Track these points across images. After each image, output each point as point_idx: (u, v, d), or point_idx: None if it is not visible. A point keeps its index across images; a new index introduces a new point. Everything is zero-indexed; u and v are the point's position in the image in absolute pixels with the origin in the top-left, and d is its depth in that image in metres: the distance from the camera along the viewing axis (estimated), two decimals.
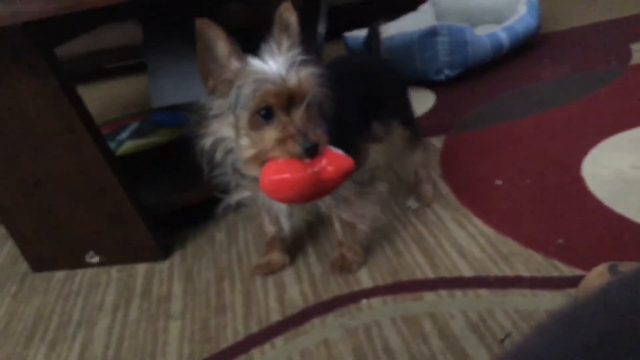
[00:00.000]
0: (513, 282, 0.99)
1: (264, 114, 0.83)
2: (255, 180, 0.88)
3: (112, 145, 1.67)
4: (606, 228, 1.08)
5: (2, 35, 0.98)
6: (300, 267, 1.15)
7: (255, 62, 0.84)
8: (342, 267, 1.10)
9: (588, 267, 0.90)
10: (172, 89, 2.05)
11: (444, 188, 1.34)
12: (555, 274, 0.99)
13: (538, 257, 1.04)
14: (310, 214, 1.13)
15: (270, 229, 1.15)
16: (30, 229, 1.26)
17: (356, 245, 1.11)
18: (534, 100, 1.79)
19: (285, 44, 0.86)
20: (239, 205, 1.04)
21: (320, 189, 0.85)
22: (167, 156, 1.57)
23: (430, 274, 1.05)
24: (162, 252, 1.27)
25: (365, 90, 1.11)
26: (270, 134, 0.83)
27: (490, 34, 2.10)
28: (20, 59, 1.02)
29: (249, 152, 0.87)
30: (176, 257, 1.27)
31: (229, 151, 0.91)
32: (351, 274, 1.09)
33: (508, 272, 1.01)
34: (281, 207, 1.03)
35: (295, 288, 1.09)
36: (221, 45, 0.83)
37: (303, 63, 0.85)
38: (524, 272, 1.00)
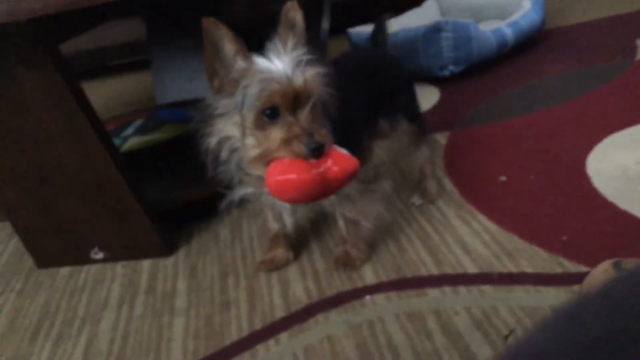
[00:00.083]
0: (517, 279, 0.98)
1: (270, 114, 0.83)
2: (260, 177, 0.88)
3: (116, 141, 1.67)
4: (611, 224, 1.08)
5: (6, 31, 0.99)
6: (304, 264, 1.15)
7: (261, 62, 0.84)
8: (346, 263, 1.10)
9: (592, 263, 0.90)
10: (176, 85, 2.05)
11: (448, 184, 1.34)
12: (559, 270, 0.98)
13: (542, 254, 1.03)
14: (314, 211, 1.13)
15: (274, 225, 1.15)
16: (35, 225, 1.26)
17: (360, 241, 1.11)
18: (539, 96, 1.78)
19: (290, 42, 0.85)
20: (243, 201, 1.04)
21: (325, 189, 0.85)
22: (171, 152, 1.57)
23: (434, 271, 1.05)
24: (167, 248, 1.27)
25: (371, 86, 1.11)
26: (276, 133, 0.83)
27: (494, 29, 2.09)
28: (25, 55, 1.02)
29: (254, 152, 0.87)
30: (181, 254, 1.28)
31: (234, 150, 0.91)
32: (355, 270, 1.09)
33: (512, 269, 1.01)
34: (285, 204, 1.03)
35: (299, 284, 1.09)
36: (227, 44, 0.83)
37: (309, 62, 0.85)
38: (528, 269, 1.00)
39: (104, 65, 3.18)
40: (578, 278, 0.93)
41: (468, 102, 1.84)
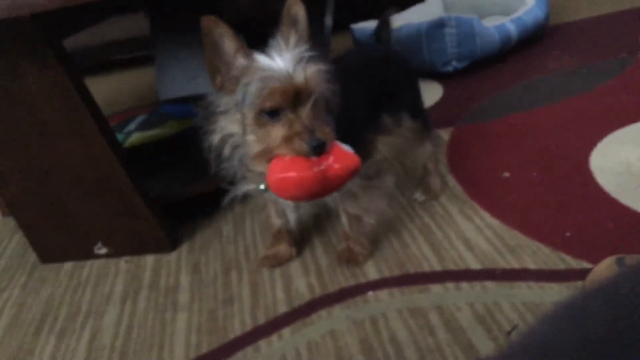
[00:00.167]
0: (520, 275, 0.98)
1: (271, 112, 0.83)
2: (263, 174, 0.88)
3: (119, 136, 1.68)
4: (614, 221, 1.07)
5: (10, 27, 0.99)
6: (307, 259, 1.16)
7: (261, 59, 0.83)
8: (349, 259, 1.10)
9: (595, 259, 0.90)
10: (179, 81, 2.05)
11: (451, 180, 1.34)
12: (562, 266, 0.98)
13: (545, 250, 1.03)
14: (317, 207, 1.13)
15: (277, 221, 1.15)
16: (39, 221, 1.27)
17: (363, 237, 1.11)
18: (542, 92, 1.78)
19: (293, 39, 0.85)
20: (246, 197, 1.04)
21: (326, 186, 0.85)
22: (174, 148, 1.58)
23: (437, 267, 1.05)
24: (170, 243, 1.28)
25: (375, 82, 1.11)
26: (277, 131, 0.83)
27: (498, 25, 2.09)
28: (29, 50, 1.02)
29: (255, 149, 0.87)
30: (184, 249, 1.28)
31: (236, 147, 0.91)
32: (358, 266, 1.10)
33: (515, 265, 1.01)
34: (287, 200, 1.03)
35: (302, 280, 1.09)
36: (227, 42, 0.82)
37: (310, 60, 0.84)
38: (531, 265, 1.00)
39: (107, 60, 3.18)
40: (581, 274, 0.93)
41: (471, 98, 1.84)
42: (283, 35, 0.85)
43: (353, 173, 0.86)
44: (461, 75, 2.06)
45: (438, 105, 1.86)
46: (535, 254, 1.03)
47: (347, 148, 0.87)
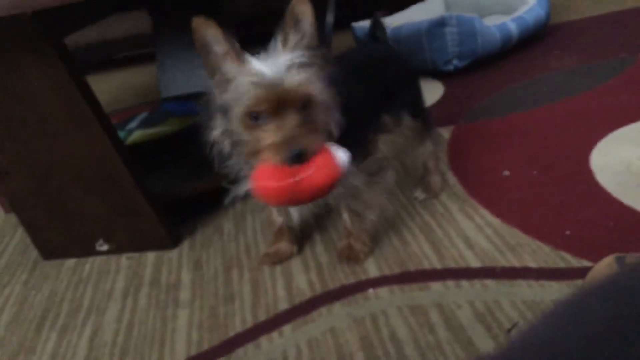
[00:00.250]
0: (520, 273, 0.99)
1: (255, 117, 0.83)
2: None
3: (121, 134, 1.68)
4: (614, 219, 1.08)
5: (12, 24, 0.99)
6: (308, 257, 1.16)
7: (252, 63, 0.82)
8: (350, 256, 1.11)
9: (595, 258, 0.90)
10: (181, 78, 2.05)
11: (452, 179, 1.34)
12: (562, 265, 0.99)
13: (545, 248, 1.04)
14: (318, 205, 1.13)
15: (278, 218, 1.16)
16: (40, 217, 1.27)
17: (364, 235, 1.11)
18: (543, 91, 1.78)
19: (292, 40, 0.83)
20: (247, 195, 1.04)
21: (301, 197, 0.84)
22: (176, 145, 1.58)
23: (437, 265, 1.06)
24: (171, 241, 1.28)
25: (376, 81, 1.11)
26: (261, 137, 0.83)
27: (499, 24, 2.09)
28: (31, 48, 1.02)
29: (248, 148, 0.87)
30: (185, 246, 1.28)
31: (236, 143, 0.91)
32: (358, 263, 1.10)
33: (515, 263, 1.02)
34: None
35: (303, 277, 1.10)
36: (217, 45, 0.81)
37: (303, 65, 0.82)
38: (531, 263, 1.01)
39: (109, 58, 3.19)
40: (581, 273, 0.94)
41: (472, 97, 1.84)
42: (282, 36, 0.83)
43: (333, 186, 0.85)
44: (462, 74, 2.06)
45: (439, 103, 1.86)
46: (536, 252, 1.03)
47: (341, 153, 0.85)
